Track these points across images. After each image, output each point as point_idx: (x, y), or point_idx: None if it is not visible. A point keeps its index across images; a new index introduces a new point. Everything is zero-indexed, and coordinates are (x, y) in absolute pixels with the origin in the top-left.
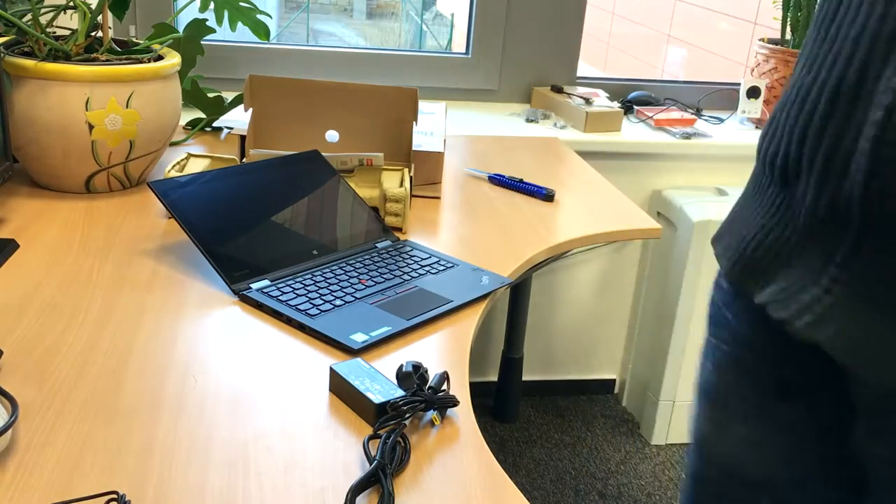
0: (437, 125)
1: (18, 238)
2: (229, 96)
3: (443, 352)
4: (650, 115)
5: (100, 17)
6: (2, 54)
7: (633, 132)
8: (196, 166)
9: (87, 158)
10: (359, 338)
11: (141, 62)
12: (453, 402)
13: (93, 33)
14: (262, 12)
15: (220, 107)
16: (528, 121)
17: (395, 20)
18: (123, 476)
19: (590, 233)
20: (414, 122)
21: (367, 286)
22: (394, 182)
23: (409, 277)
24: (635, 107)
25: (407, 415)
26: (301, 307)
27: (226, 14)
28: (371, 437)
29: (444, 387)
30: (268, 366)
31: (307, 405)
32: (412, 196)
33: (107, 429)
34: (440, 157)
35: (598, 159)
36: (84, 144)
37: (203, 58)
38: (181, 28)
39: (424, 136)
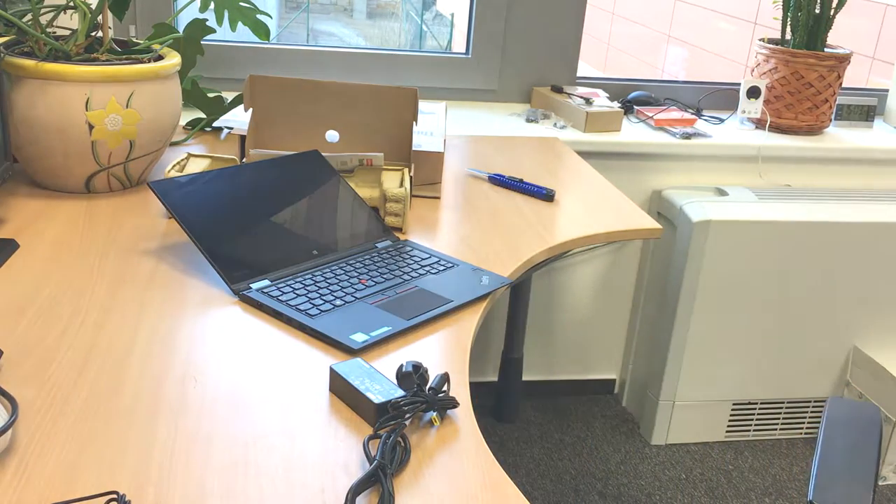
0: (437, 125)
1: (18, 238)
2: (229, 96)
3: (443, 352)
4: (650, 115)
5: (100, 17)
6: (2, 54)
7: (633, 132)
8: (196, 166)
9: (87, 158)
10: (359, 338)
11: (141, 62)
12: (454, 404)
13: (93, 33)
14: (262, 12)
15: (220, 107)
16: (528, 121)
17: (395, 20)
18: (123, 476)
19: (590, 233)
20: (414, 122)
21: (367, 286)
22: (394, 182)
23: (409, 277)
24: (635, 107)
25: (407, 415)
26: (301, 307)
27: (226, 14)
28: (371, 437)
29: (445, 388)
30: (268, 366)
31: (307, 405)
32: (412, 196)
33: (107, 429)
34: (440, 157)
35: (598, 159)
36: (84, 144)
37: (203, 58)
38: (181, 28)
39: (424, 136)
